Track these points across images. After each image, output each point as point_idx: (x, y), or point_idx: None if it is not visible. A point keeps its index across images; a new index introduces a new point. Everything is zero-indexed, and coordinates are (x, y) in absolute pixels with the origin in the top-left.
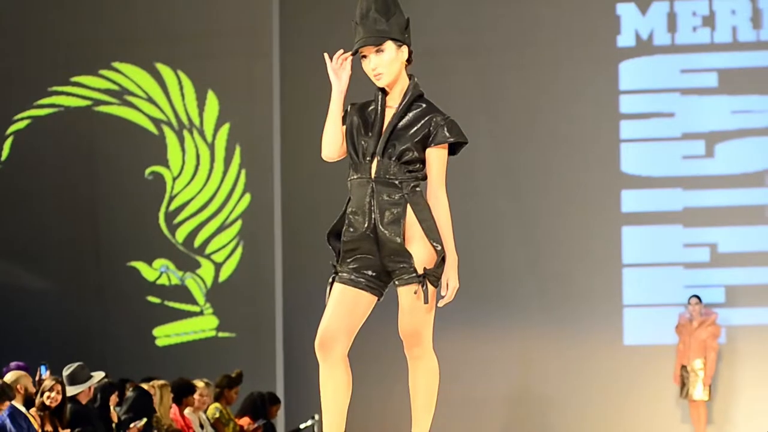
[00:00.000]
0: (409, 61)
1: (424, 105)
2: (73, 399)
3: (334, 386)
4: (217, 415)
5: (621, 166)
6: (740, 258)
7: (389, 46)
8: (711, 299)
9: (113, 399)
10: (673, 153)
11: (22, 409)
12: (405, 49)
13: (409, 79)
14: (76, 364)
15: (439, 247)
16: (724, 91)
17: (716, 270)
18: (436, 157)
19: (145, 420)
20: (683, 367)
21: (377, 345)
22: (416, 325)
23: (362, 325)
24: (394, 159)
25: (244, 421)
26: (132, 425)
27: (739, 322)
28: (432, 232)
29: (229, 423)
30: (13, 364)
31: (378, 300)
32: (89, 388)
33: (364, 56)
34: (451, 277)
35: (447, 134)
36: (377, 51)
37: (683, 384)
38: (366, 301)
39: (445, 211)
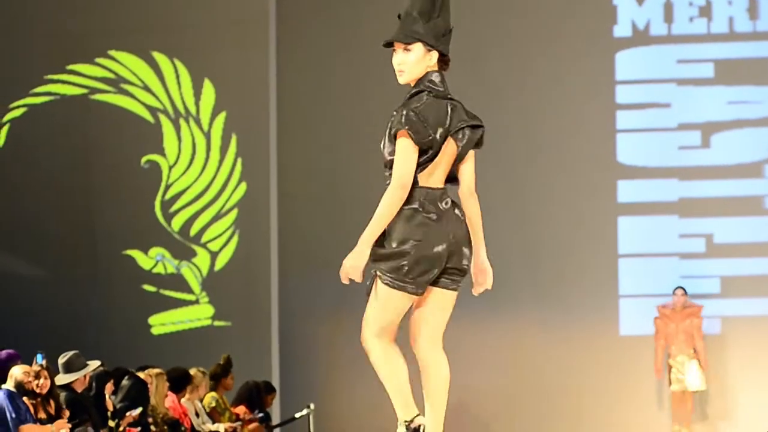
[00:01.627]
0: (444, 68)
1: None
2: (68, 387)
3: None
4: (213, 404)
5: (617, 156)
6: (736, 249)
7: (418, 47)
8: (706, 290)
9: (108, 387)
10: (669, 143)
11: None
12: (434, 54)
13: (427, 81)
14: (71, 353)
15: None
16: (721, 81)
17: (712, 260)
18: (395, 149)
19: (140, 409)
20: (669, 359)
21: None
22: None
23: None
24: (384, 158)
25: (240, 410)
26: (127, 414)
27: (734, 312)
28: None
29: (225, 412)
30: (3, 352)
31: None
32: (84, 376)
33: (395, 49)
34: (347, 258)
35: (397, 125)
36: (405, 49)
37: (670, 375)
38: None
39: (383, 200)
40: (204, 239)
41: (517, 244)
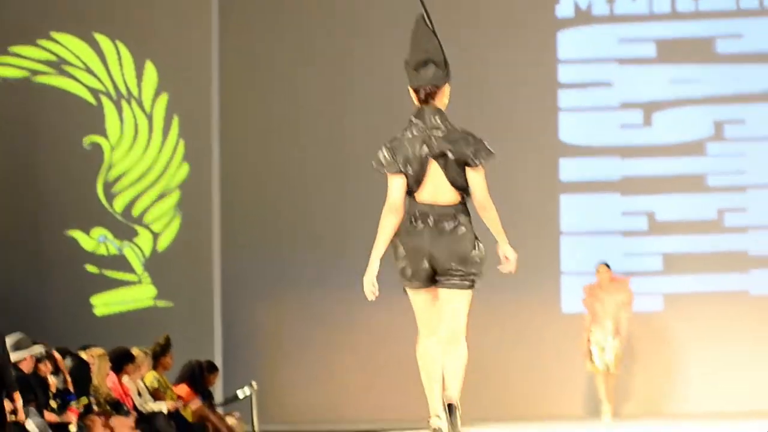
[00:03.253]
0: (423, 100)
1: None
2: (16, 367)
3: None
4: (156, 384)
5: (559, 135)
6: (678, 226)
7: (446, 86)
8: (649, 267)
9: (48, 367)
10: (612, 122)
11: None
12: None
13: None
14: (19, 334)
15: None
16: (663, 60)
17: (654, 238)
18: None
19: (85, 401)
20: (593, 336)
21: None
22: None
23: None
24: None
25: (182, 389)
26: (72, 404)
27: (676, 290)
28: None
29: (167, 391)
30: None
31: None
32: (30, 356)
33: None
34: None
35: None
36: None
37: (591, 354)
38: None
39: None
40: (146, 220)
41: None
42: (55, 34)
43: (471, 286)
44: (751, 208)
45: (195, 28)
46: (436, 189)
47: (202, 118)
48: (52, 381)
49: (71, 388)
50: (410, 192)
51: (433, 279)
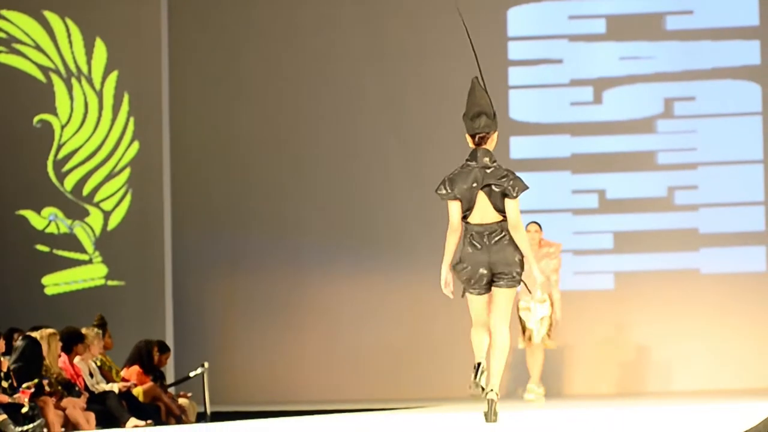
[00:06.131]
0: (476, 143)
1: None
2: None
3: None
4: (99, 364)
5: (509, 112)
6: (628, 204)
7: (494, 133)
8: (599, 245)
9: None
10: (562, 99)
11: None
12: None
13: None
14: None
15: None
16: (612, 37)
17: (604, 216)
18: None
19: (36, 380)
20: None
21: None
22: None
23: None
24: None
25: (134, 370)
26: (24, 386)
27: (627, 268)
28: None
29: (111, 370)
30: None
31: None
32: None
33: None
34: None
35: None
36: None
37: (524, 328)
38: None
39: None
40: (97, 199)
41: (411, 199)
42: (4, 12)
43: (516, 284)
44: (701, 186)
45: (144, 5)
46: (483, 212)
47: (152, 96)
48: (4, 361)
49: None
50: (464, 216)
51: (489, 285)
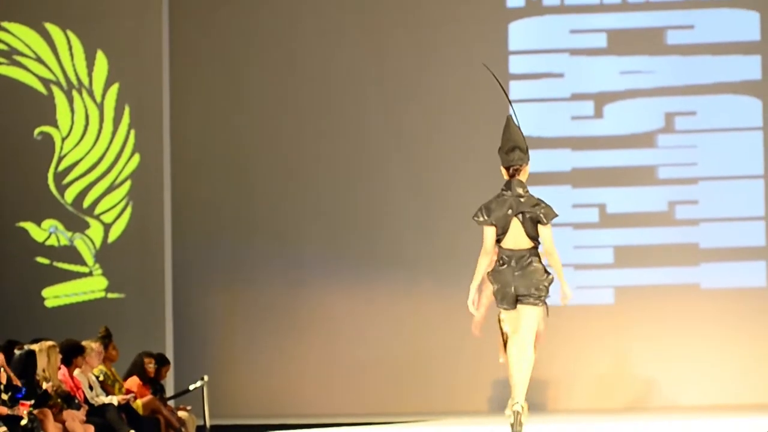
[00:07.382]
0: (510, 174)
1: None
2: None
3: None
4: (102, 378)
5: None
6: (629, 218)
7: (526, 166)
8: (599, 260)
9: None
10: (562, 113)
11: None
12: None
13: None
14: None
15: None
16: (613, 51)
17: (605, 230)
18: None
19: (33, 401)
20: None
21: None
22: None
23: None
24: None
25: (133, 382)
26: (22, 403)
27: (627, 282)
28: None
29: (115, 384)
30: None
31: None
32: None
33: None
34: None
35: None
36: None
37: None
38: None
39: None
40: (97, 211)
41: (414, 215)
42: (5, 24)
43: (540, 304)
44: (702, 201)
45: (146, 18)
46: (516, 238)
47: (153, 108)
48: (2, 373)
49: (16, 383)
50: (498, 240)
51: (516, 301)
